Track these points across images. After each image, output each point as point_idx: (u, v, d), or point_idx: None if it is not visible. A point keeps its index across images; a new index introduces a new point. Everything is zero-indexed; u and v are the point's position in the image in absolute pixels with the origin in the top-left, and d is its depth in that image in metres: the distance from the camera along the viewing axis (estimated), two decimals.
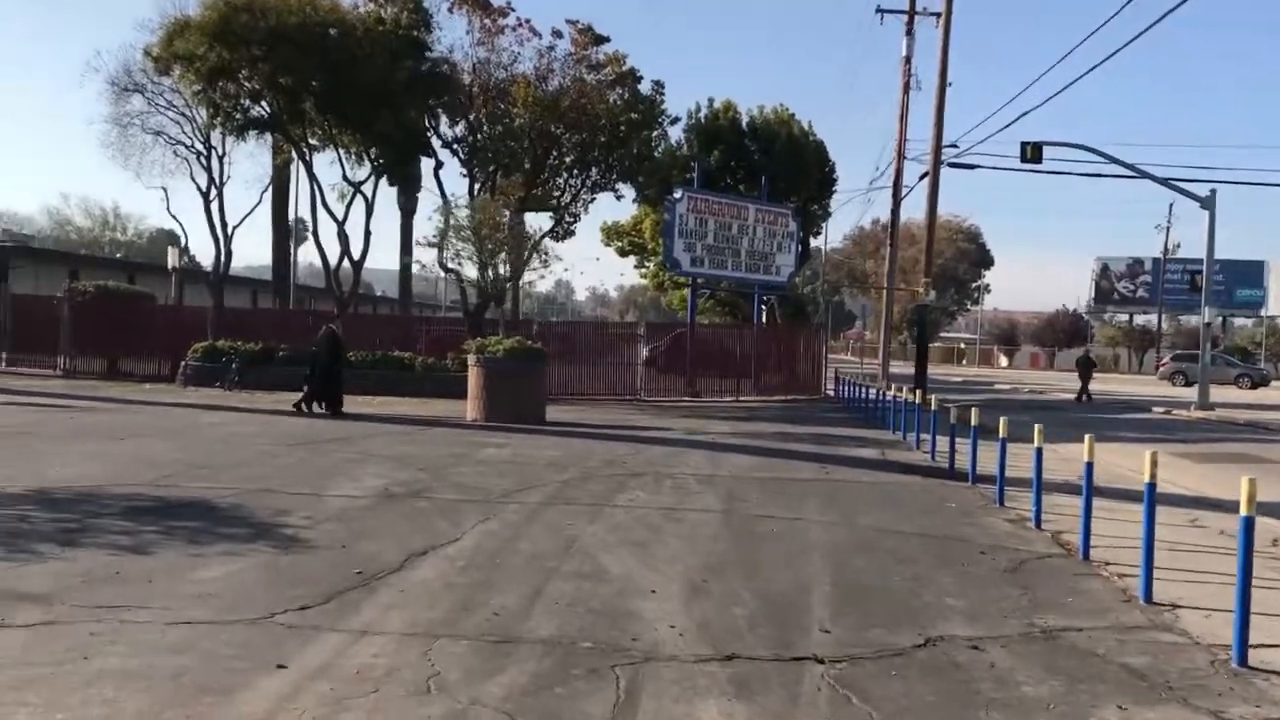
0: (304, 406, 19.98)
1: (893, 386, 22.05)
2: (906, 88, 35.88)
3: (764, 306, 36.29)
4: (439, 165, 29.54)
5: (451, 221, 24.00)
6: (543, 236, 27.03)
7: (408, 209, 44.11)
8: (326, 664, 5.40)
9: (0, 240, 47.80)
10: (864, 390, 26.32)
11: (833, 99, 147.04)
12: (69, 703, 4.71)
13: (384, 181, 30.89)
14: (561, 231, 32.34)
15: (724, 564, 8.17)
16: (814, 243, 51.24)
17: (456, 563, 7.87)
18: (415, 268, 33.53)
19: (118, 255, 70.32)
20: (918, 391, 20.32)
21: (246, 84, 26.40)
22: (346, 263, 29.57)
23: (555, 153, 30.06)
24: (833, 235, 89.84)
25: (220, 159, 32.09)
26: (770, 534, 9.52)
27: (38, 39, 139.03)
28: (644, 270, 50.16)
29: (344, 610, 6.43)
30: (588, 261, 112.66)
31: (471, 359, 20.41)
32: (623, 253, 48.74)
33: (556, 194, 31.57)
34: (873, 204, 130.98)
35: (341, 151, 28.77)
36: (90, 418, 17.89)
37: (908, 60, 35.98)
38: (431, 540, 8.59)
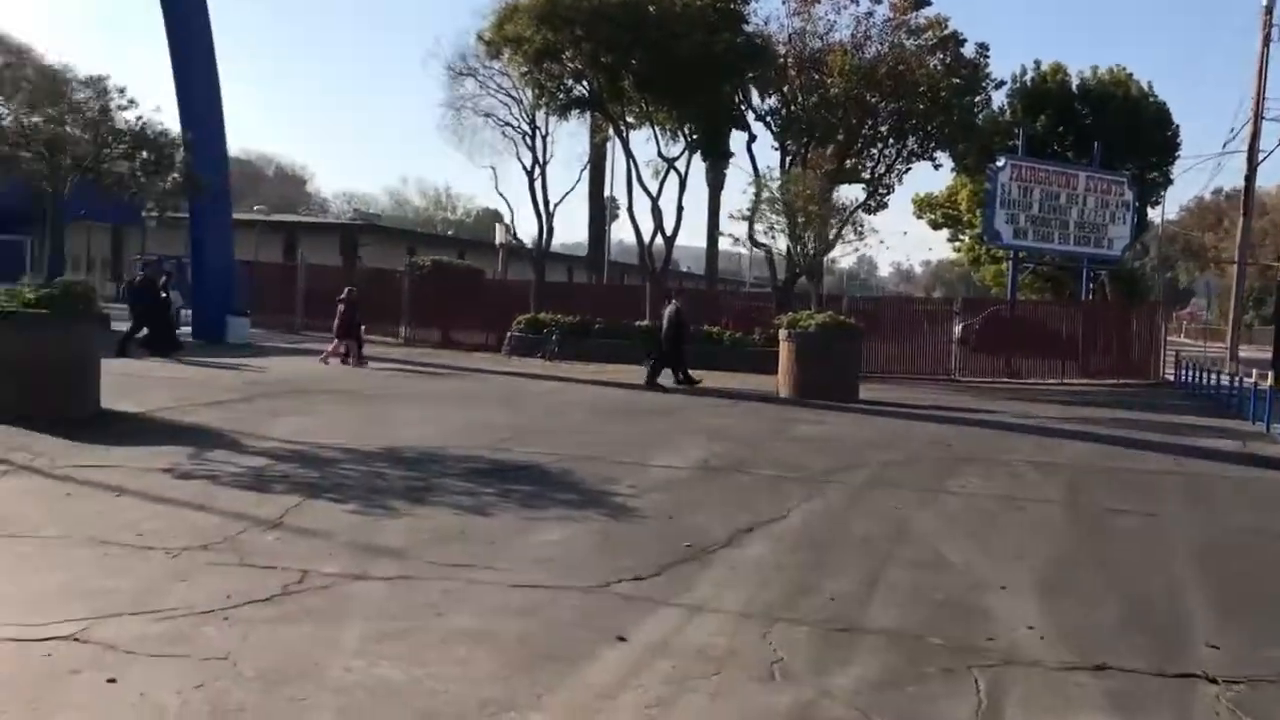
0: (656, 380, 20.30)
1: (1254, 372, 19.82)
2: (1266, 40, 32.24)
3: (1092, 284, 33.80)
4: (752, 139, 29.39)
5: (765, 195, 23.79)
6: (856, 208, 26.34)
7: (716, 185, 44.44)
8: (665, 640, 5.29)
9: (352, 219, 52.40)
10: (1212, 375, 23.90)
11: (1178, 57, 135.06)
12: (426, 659, 4.84)
13: (695, 157, 31.13)
14: (874, 204, 31.41)
15: (1076, 561, 7.48)
16: (1150, 214, 47.34)
17: (784, 541, 7.63)
18: (727, 242, 33.68)
19: (449, 233, 75.42)
20: None
21: (570, 64, 27.25)
22: (659, 239, 30.04)
23: (870, 122, 29.16)
24: (1168, 206, 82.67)
25: (544, 139, 33.45)
26: (1125, 530, 8.67)
27: (386, 29, 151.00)
28: (958, 244, 48.17)
29: (677, 584, 6.33)
30: (893, 236, 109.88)
31: (783, 334, 20.16)
32: (935, 225, 46.99)
33: (870, 165, 30.69)
34: (1222, 170, 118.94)
35: (657, 128, 29.18)
36: (429, 383, 19.09)
37: (1268, 10, 32.30)
38: (756, 517, 8.39)
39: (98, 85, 12.75)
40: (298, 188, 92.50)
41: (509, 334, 28.00)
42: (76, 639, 4.84)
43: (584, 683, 4.65)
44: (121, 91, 12.84)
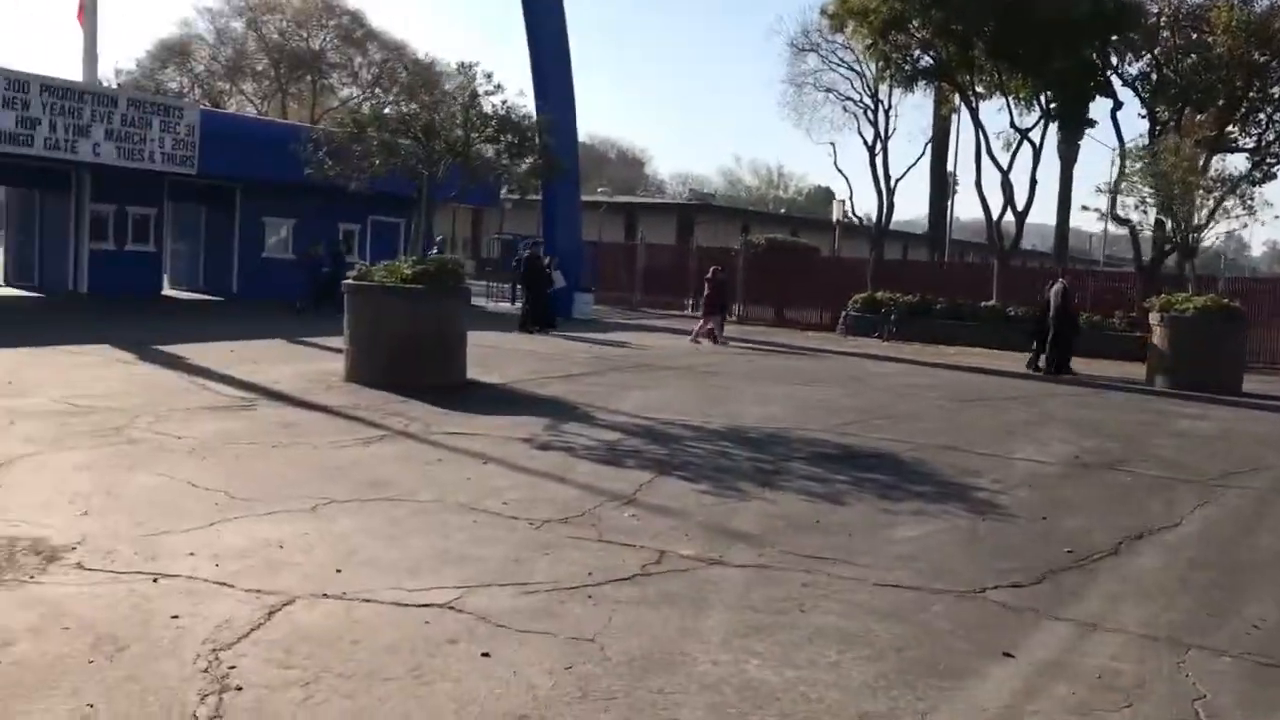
0: (1037, 367, 19.16)
1: None
2: None
3: None
4: (1117, 105, 27.09)
5: (1135, 165, 21.75)
6: (1241, 179, 23.56)
7: (1068, 157, 41.50)
8: (1058, 659, 4.71)
9: (687, 199, 53.47)
10: None
11: None
12: (795, 659, 4.54)
13: (1050, 128, 29.11)
14: (1259, 175, 28.10)
15: None
16: None
17: (1182, 553, 6.73)
18: (1091, 218, 31.53)
19: (781, 211, 75.39)
20: None
21: (917, 34, 26.23)
22: (1007, 214, 28.43)
23: (1257, 84, 26.09)
24: None
25: (886, 112, 32.58)
26: None
27: (723, 10, 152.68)
28: None
29: (1061, 594, 5.69)
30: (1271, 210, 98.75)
31: (1154, 318, 18.35)
32: None
33: (1256, 131, 27.49)
34: None
35: (1009, 98, 27.51)
36: (766, 361, 18.94)
37: None
38: (1143, 522, 7.50)
39: (468, 71, 13.42)
40: (636, 170, 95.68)
41: (844, 313, 27.39)
42: (452, 607, 4.92)
43: (972, 703, 4.18)
44: (489, 77, 13.44)
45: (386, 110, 14.58)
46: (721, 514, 7.11)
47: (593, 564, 5.75)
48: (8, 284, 25.83)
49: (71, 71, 23.85)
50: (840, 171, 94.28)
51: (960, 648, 4.80)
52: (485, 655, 4.38)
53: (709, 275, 22.77)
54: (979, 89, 28.25)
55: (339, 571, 5.41)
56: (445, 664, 4.28)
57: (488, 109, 13.58)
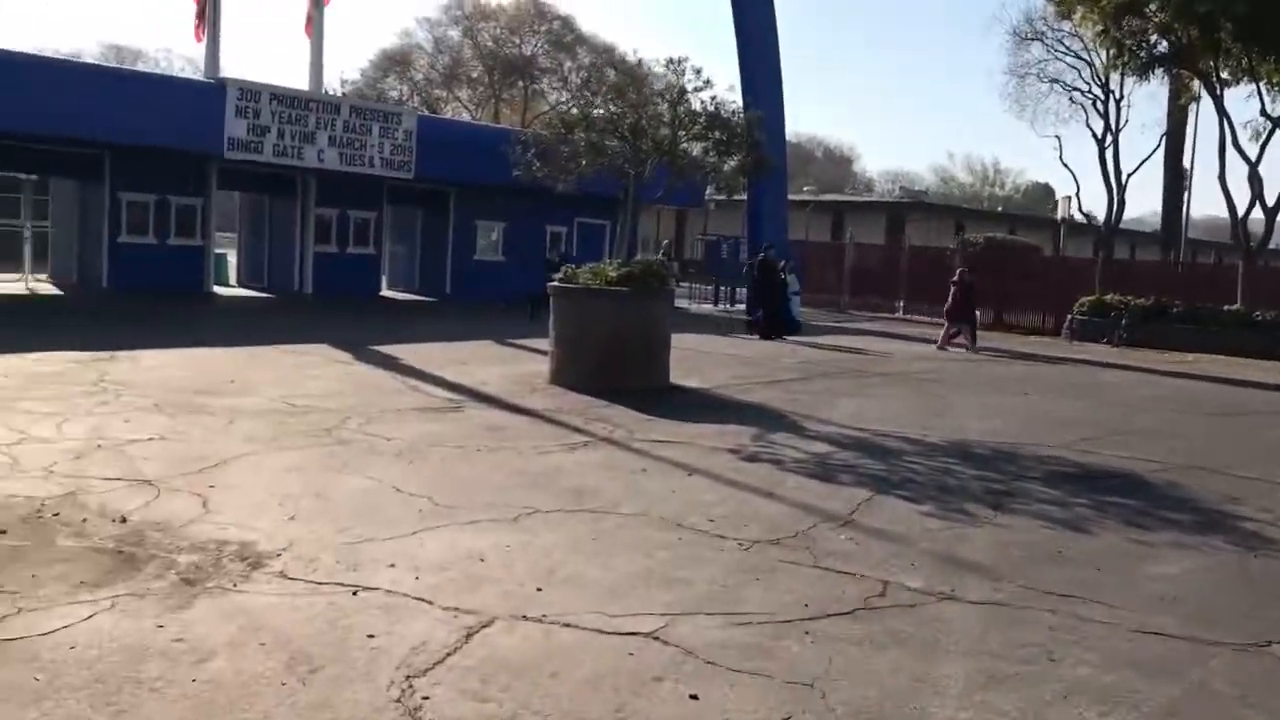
0: None
1: None
2: None
3: None
4: None
5: None
6: None
7: None
8: None
9: (898, 197, 51.97)
10: None
11: None
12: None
13: None
14: None
15: None
16: None
17: None
18: None
19: (997, 209, 72.37)
20: None
21: (1154, 17, 24.34)
22: (1254, 211, 26.03)
23: None
24: None
25: (1117, 103, 30.51)
26: None
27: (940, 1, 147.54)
28: None
29: None
30: None
31: None
32: None
33: None
34: None
35: (1260, 83, 25.19)
36: (986, 368, 17.88)
37: None
38: None
39: (676, 67, 13.16)
40: (844, 168, 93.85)
41: (1070, 317, 25.79)
42: (657, 638, 4.55)
43: None
44: (697, 73, 13.13)
45: (595, 111, 14.44)
46: (949, 540, 6.49)
47: (808, 594, 5.27)
48: (240, 285, 27.36)
49: (299, 81, 25.07)
50: (1066, 166, 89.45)
51: (1248, 716, 4.08)
52: (694, 698, 3.97)
53: (955, 278, 21.57)
54: (1224, 75, 26.00)
55: (539, 590, 5.13)
56: (649, 706, 3.90)
57: (696, 106, 13.28)
